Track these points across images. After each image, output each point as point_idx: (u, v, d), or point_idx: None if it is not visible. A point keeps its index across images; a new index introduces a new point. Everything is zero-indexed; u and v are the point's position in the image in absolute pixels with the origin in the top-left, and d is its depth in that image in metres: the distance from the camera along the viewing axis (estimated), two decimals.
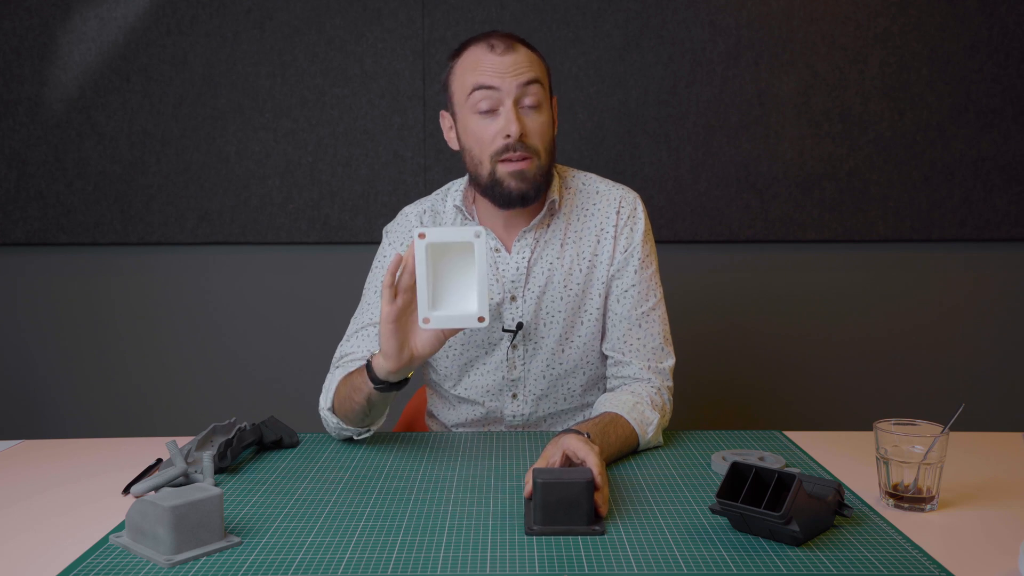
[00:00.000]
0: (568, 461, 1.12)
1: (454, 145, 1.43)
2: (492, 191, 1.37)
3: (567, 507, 1.00)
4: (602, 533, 1.00)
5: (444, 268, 1.10)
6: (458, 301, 1.10)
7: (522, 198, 1.36)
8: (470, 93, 1.34)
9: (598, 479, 1.03)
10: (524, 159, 1.34)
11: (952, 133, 2.34)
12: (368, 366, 1.23)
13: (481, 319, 1.07)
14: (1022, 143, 2.34)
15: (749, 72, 2.32)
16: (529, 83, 1.33)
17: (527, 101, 1.34)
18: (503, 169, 1.35)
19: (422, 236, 1.07)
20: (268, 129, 2.35)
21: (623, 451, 1.28)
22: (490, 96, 1.33)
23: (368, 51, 2.33)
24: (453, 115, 1.41)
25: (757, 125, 2.34)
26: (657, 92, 2.33)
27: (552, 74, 1.47)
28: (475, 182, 1.41)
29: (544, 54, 1.43)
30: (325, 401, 1.35)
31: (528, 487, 1.07)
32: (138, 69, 2.33)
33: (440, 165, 2.35)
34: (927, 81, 2.32)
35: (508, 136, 1.33)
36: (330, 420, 1.35)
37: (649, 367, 1.41)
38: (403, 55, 2.33)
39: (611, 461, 1.25)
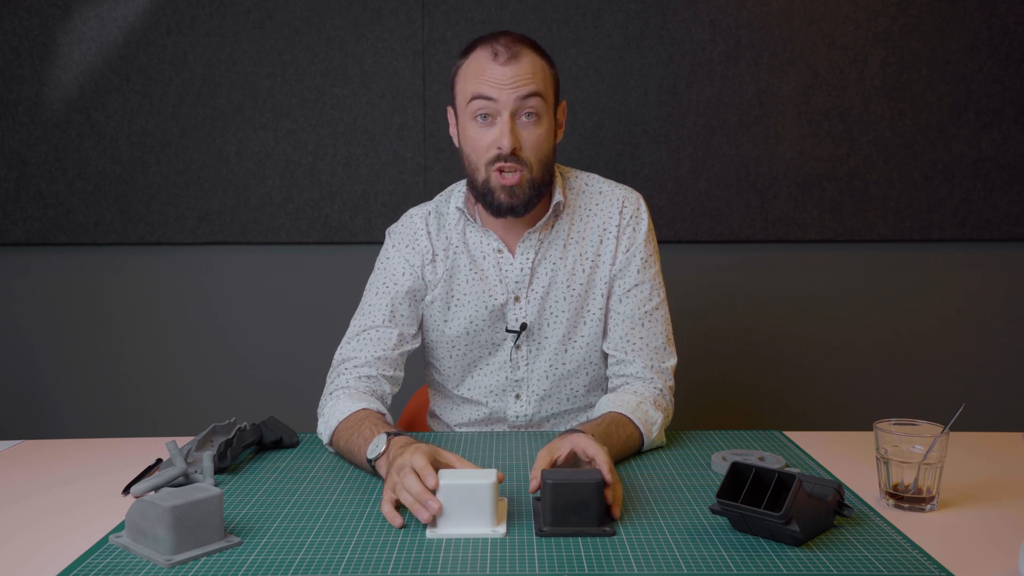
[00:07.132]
0: (575, 458, 1.12)
1: (456, 142, 1.44)
2: (485, 198, 1.39)
3: (577, 508, 1.00)
4: (612, 534, 1.00)
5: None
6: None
7: (511, 210, 1.38)
8: (469, 101, 1.35)
9: (608, 476, 1.03)
10: (515, 171, 1.35)
11: (952, 133, 2.34)
12: (375, 437, 1.19)
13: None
14: (1022, 143, 2.34)
15: (749, 72, 2.32)
16: (528, 96, 1.33)
17: (525, 113, 1.34)
18: (496, 179, 1.36)
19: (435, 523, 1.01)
20: (268, 129, 2.35)
21: (626, 451, 1.28)
22: (488, 106, 1.34)
23: (368, 51, 2.33)
24: (456, 115, 1.42)
25: (757, 125, 2.34)
26: (657, 92, 2.33)
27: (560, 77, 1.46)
28: (471, 184, 1.41)
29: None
30: (324, 431, 1.34)
31: (535, 482, 1.07)
32: (138, 69, 2.33)
33: (440, 165, 2.35)
34: (927, 81, 2.32)
35: (500, 148, 1.34)
36: (328, 449, 1.35)
37: (651, 366, 1.41)
38: (403, 55, 2.33)
39: (615, 461, 1.25)
